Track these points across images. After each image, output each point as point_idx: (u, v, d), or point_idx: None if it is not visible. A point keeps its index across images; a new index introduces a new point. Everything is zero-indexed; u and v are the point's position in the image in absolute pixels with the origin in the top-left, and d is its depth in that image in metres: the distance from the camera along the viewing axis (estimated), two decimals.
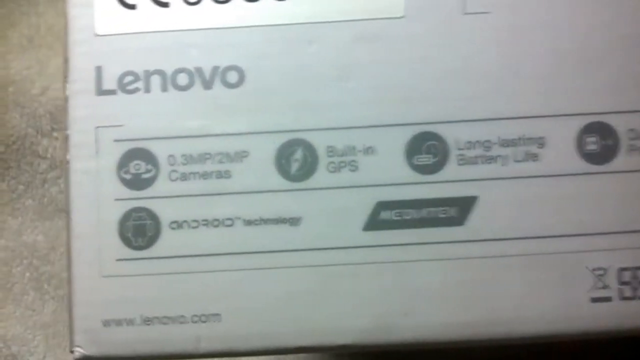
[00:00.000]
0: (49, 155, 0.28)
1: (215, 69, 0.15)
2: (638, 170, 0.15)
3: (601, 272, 0.15)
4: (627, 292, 0.15)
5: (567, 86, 0.15)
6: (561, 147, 0.15)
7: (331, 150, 0.15)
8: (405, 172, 0.15)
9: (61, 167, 0.28)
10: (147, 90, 0.15)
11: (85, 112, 0.15)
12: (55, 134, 0.29)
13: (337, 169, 0.15)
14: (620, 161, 0.15)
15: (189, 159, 0.15)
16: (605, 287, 0.15)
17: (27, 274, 0.28)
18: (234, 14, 0.15)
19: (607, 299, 0.15)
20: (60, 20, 0.29)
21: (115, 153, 0.15)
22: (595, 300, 0.15)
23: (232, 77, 0.15)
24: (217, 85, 0.15)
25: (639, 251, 0.15)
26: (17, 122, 0.29)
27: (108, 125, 0.15)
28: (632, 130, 0.15)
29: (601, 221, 0.15)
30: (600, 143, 0.15)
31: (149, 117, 0.15)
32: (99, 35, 0.15)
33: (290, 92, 0.15)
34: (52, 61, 0.29)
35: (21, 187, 0.29)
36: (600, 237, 0.15)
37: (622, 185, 0.15)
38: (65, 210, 0.15)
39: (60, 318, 0.27)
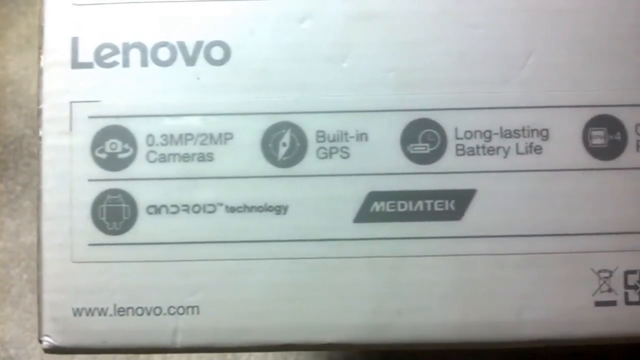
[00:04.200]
0: None
1: (199, 44, 0.14)
2: None
3: (607, 274, 0.14)
4: (633, 296, 0.14)
5: (574, 76, 0.14)
6: (566, 140, 0.14)
7: (321, 135, 0.14)
8: (400, 161, 0.14)
9: None
10: (126, 64, 0.14)
11: (60, 86, 0.14)
12: None
13: (327, 155, 0.14)
14: (628, 157, 0.14)
15: (168, 139, 0.14)
16: (610, 290, 0.14)
17: (25, 276, 0.27)
18: None
19: (612, 303, 0.14)
20: None
21: (90, 130, 0.14)
22: (600, 304, 0.14)
23: (217, 53, 0.14)
24: (201, 62, 0.14)
25: None
26: (15, 122, 0.28)
27: (83, 100, 0.14)
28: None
29: (607, 220, 0.14)
30: (607, 137, 0.14)
31: (127, 93, 0.14)
32: (76, 5, 0.14)
33: (279, 72, 0.14)
34: None
35: (19, 188, 0.28)
36: (606, 237, 0.14)
37: (629, 182, 0.14)
38: (37, 190, 0.14)
39: None
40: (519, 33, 0.14)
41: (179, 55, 0.14)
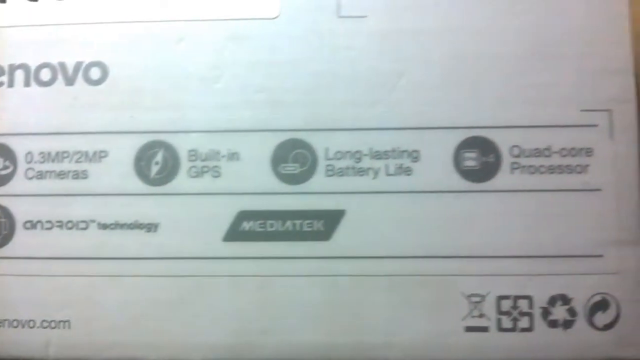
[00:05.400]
0: None
1: (78, 64, 0.14)
2: (520, 190, 0.14)
3: (478, 299, 0.14)
4: (506, 323, 0.14)
5: (446, 97, 0.14)
6: (437, 162, 0.14)
7: (193, 155, 0.14)
8: (271, 181, 0.14)
9: None
10: (11, 84, 0.14)
11: None
12: None
13: (199, 174, 0.14)
14: (502, 179, 0.14)
15: (46, 156, 0.14)
16: (481, 315, 0.14)
17: None
18: (102, 10, 0.14)
19: (484, 329, 0.14)
20: None
21: None
22: (470, 329, 0.14)
23: (95, 73, 0.14)
24: (80, 82, 0.14)
25: (521, 278, 0.14)
26: None
27: None
28: (515, 146, 0.14)
29: (479, 244, 0.14)
30: (480, 159, 0.14)
31: (11, 112, 0.14)
32: None
33: (153, 92, 0.14)
34: None
35: None
36: (478, 260, 0.14)
37: (503, 205, 0.14)
38: None
39: None
40: (390, 54, 0.14)
41: (60, 76, 0.14)
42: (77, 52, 0.14)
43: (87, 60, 0.14)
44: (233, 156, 0.14)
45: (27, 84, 0.14)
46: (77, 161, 0.14)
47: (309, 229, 0.14)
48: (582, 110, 0.14)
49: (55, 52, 0.14)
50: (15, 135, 0.14)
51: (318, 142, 0.14)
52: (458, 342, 0.13)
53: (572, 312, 0.13)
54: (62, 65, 0.14)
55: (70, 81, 0.14)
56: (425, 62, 0.14)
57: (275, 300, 0.14)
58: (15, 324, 0.14)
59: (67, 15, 0.15)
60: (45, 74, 0.14)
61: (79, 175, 0.14)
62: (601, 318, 0.13)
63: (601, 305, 0.13)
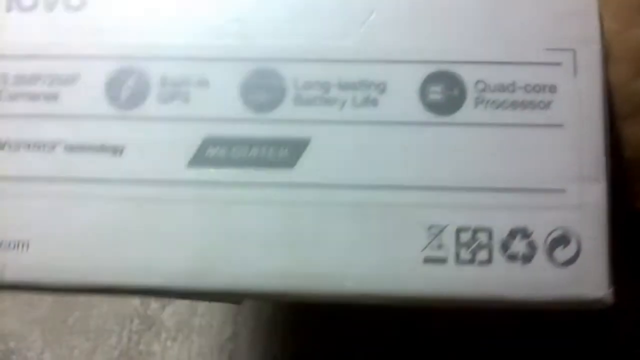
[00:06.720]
0: None
1: None
2: (483, 123, 0.14)
3: (437, 230, 0.14)
4: (465, 255, 0.13)
5: (414, 33, 0.14)
6: (403, 94, 0.14)
7: (164, 80, 0.14)
8: (238, 108, 0.14)
9: None
10: None
11: None
12: None
13: (167, 99, 0.14)
14: (466, 113, 0.14)
15: (20, 79, 0.14)
16: (440, 247, 0.13)
17: None
18: None
19: (442, 261, 0.13)
20: None
21: None
22: (429, 260, 0.13)
23: (75, 0, 0.15)
24: (59, 8, 0.15)
25: (480, 211, 0.14)
26: None
27: None
28: (480, 81, 0.14)
29: (440, 175, 0.14)
30: (445, 93, 0.14)
31: None
32: None
33: (128, 19, 0.14)
34: None
35: None
36: (439, 192, 0.14)
37: (465, 138, 0.14)
38: None
39: (57, 313, 0.28)
40: None
41: (41, 2, 0.15)
42: None
43: None
44: (202, 83, 0.14)
45: (9, 8, 0.15)
46: (49, 84, 0.14)
47: (274, 156, 0.14)
48: (546, 49, 0.14)
49: None
50: None
51: (287, 72, 0.14)
52: (416, 274, 0.13)
53: (531, 246, 0.13)
54: None
55: (50, 7, 0.15)
56: None
57: (235, 227, 0.14)
58: None
59: None
60: (27, 0, 0.15)
61: (50, 97, 0.14)
62: (561, 254, 0.13)
63: (561, 240, 0.13)
